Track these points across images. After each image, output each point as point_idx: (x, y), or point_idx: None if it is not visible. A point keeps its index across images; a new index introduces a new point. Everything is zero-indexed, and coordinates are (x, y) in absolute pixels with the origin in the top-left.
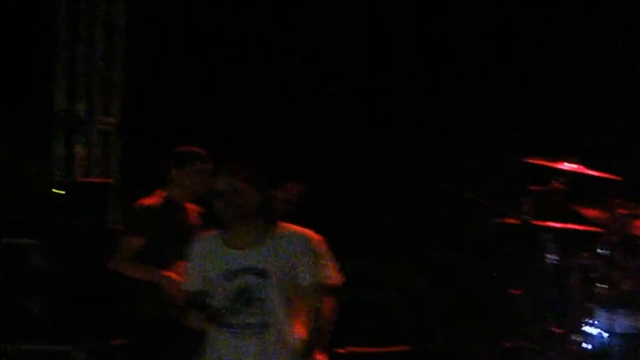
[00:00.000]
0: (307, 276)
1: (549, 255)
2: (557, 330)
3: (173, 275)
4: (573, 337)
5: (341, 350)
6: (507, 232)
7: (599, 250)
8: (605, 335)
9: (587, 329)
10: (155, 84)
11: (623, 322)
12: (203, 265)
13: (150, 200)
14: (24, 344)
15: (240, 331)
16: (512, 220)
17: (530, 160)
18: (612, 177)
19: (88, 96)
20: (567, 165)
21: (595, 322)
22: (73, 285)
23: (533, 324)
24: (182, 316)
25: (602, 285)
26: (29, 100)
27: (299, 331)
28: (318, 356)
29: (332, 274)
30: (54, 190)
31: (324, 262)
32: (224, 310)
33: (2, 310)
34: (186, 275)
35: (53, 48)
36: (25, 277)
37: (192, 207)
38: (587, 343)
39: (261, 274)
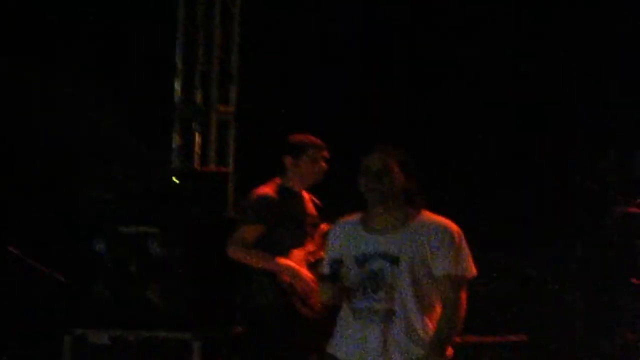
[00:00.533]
0: (442, 267)
1: None
2: None
3: (291, 263)
4: None
5: (458, 339)
6: (632, 221)
7: None
8: None
9: None
10: (271, 72)
11: None
12: (338, 246)
13: (267, 189)
14: (143, 331)
15: (366, 316)
16: (634, 210)
17: None
18: None
19: (205, 85)
20: None
21: None
22: (191, 273)
23: None
24: (301, 304)
25: None
26: (147, 90)
27: (429, 322)
28: (449, 349)
29: (467, 266)
30: (173, 179)
31: (460, 253)
32: (355, 290)
33: (122, 298)
34: (325, 256)
35: (171, 38)
36: (145, 265)
37: (307, 196)
38: None
39: (393, 260)
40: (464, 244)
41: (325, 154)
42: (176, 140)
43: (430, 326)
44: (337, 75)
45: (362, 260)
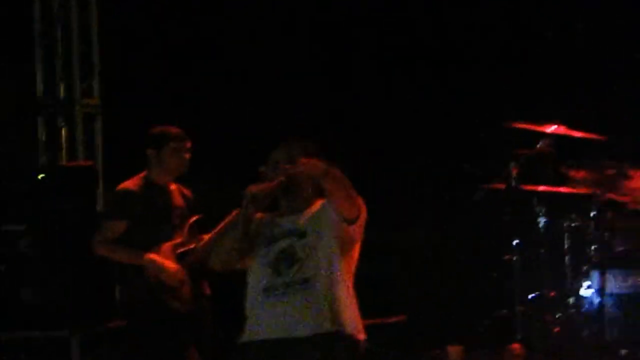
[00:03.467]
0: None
1: (539, 219)
2: (551, 294)
3: (156, 257)
4: (568, 300)
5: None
6: (496, 198)
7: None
8: (599, 297)
9: (581, 291)
10: (133, 63)
11: (616, 283)
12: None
13: (129, 183)
14: (18, 331)
15: (282, 291)
16: (500, 186)
17: (515, 125)
18: (598, 137)
19: (67, 78)
20: (552, 128)
21: (589, 284)
22: (62, 270)
23: (527, 289)
24: (170, 298)
25: (594, 247)
26: (8, 86)
27: (345, 288)
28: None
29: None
30: (39, 175)
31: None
32: (265, 270)
33: None
34: None
35: (29, 32)
36: (15, 263)
37: (174, 187)
38: (582, 306)
39: (299, 235)
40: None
41: (188, 144)
42: (41, 136)
43: (348, 300)
44: (202, 61)
45: (269, 242)
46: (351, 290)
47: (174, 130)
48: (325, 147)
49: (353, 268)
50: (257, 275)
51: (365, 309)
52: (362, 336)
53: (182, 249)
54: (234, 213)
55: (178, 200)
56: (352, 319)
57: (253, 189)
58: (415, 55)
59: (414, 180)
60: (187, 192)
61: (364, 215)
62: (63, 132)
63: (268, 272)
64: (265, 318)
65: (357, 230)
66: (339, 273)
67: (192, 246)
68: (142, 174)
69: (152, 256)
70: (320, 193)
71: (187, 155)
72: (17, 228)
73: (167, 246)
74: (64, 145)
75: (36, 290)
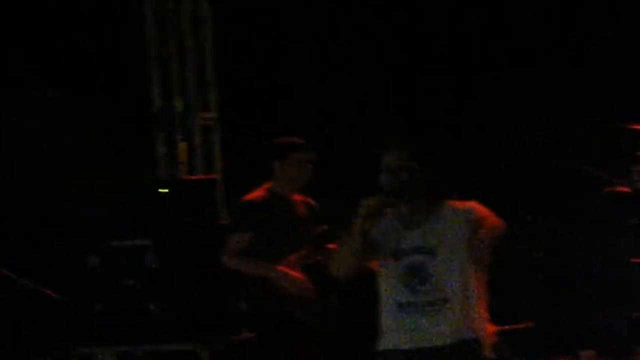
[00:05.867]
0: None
1: None
2: None
3: (284, 269)
4: None
5: None
6: (619, 200)
7: None
8: None
9: None
10: (249, 74)
11: None
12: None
13: (254, 195)
14: (147, 345)
15: (415, 309)
16: (623, 189)
17: (636, 127)
18: None
19: (184, 92)
20: None
21: None
22: (190, 283)
23: None
24: (297, 309)
25: None
26: (127, 102)
27: (479, 308)
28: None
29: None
30: (159, 189)
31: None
32: (398, 284)
33: (122, 312)
34: None
35: (144, 47)
36: (142, 278)
37: (299, 198)
38: None
39: (430, 252)
40: (490, 217)
41: (311, 155)
42: (160, 150)
43: (481, 311)
44: (322, 73)
45: (398, 256)
46: (485, 300)
47: (298, 140)
48: (433, 146)
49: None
50: (390, 290)
51: (494, 316)
52: (496, 339)
53: (307, 261)
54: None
55: (303, 212)
56: (486, 327)
57: (369, 202)
58: (533, 53)
59: (538, 184)
60: (312, 202)
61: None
62: (181, 145)
63: (401, 287)
64: (404, 332)
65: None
66: (474, 289)
67: (317, 258)
68: (266, 185)
69: (281, 268)
70: (437, 196)
71: (311, 166)
72: (143, 243)
73: (292, 258)
74: (183, 158)
75: (165, 305)
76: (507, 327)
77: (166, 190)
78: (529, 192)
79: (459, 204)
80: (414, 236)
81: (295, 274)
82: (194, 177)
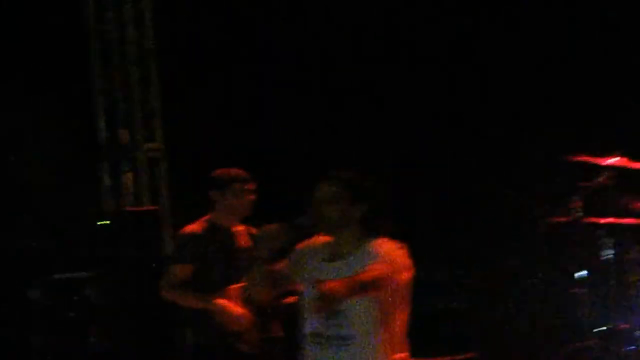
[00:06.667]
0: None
1: (604, 252)
2: (622, 327)
3: (223, 301)
4: (637, 333)
5: None
6: (560, 231)
7: None
8: None
9: None
10: (193, 105)
11: None
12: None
13: (194, 226)
14: None
15: (320, 341)
16: (564, 219)
17: (576, 158)
18: None
19: (129, 123)
20: (612, 160)
21: None
22: (129, 317)
23: (596, 322)
24: (237, 341)
25: None
26: (71, 132)
27: (383, 347)
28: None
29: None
30: (100, 222)
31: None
32: (310, 314)
33: (62, 344)
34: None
35: (89, 78)
36: (82, 310)
37: (241, 229)
38: None
39: None
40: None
41: (252, 185)
42: (105, 181)
43: (386, 350)
44: (266, 103)
45: (315, 286)
46: (398, 341)
47: (237, 171)
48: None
49: (400, 325)
50: (306, 318)
51: (436, 346)
52: None
53: (250, 292)
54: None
55: (245, 241)
56: None
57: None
58: (475, 88)
59: (478, 217)
60: (255, 232)
61: (408, 276)
62: (127, 177)
63: (312, 318)
64: None
65: (400, 293)
66: (377, 336)
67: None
68: (206, 217)
69: (220, 301)
70: (368, 232)
71: (252, 197)
72: (83, 275)
73: (234, 289)
74: (129, 190)
75: (105, 338)
76: (448, 358)
77: (108, 222)
78: (471, 222)
79: (385, 244)
80: (333, 269)
81: (235, 307)
82: (137, 209)
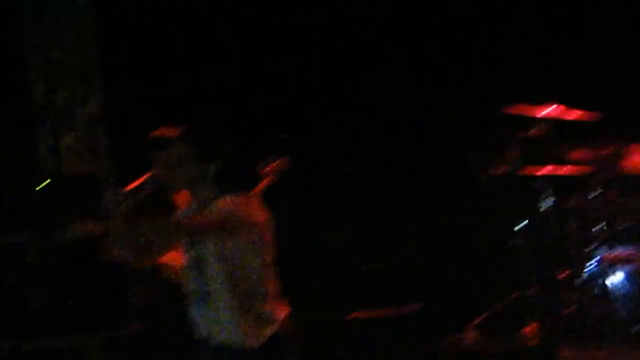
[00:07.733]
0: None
1: (543, 202)
2: (561, 276)
3: (164, 259)
4: (576, 281)
5: (347, 317)
6: (498, 183)
7: (593, 191)
8: (608, 275)
9: (589, 271)
10: (131, 66)
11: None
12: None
13: (133, 187)
14: (38, 341)
15: (192, 297)
16: (501, 170)
17: (511, 109)
18: (594, 115)
19: (67, 86)
20: (548, 110)
21: (597, 263)
22: (74, 277)
23: (536, 272)
24: (179, 298)
25: (600, 225)
26: (7, 97)
27: (237, 302)
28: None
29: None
30: (41, 184)
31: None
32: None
33: (7, 308)
34: None
35: (23, 38)
36: (24, 273)
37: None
38: (592, 285)
39: (199, 243)
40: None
41: (190, 146)
42: (43, 144)
43: (239, 304)
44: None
45: (188, 246)
46: (248, 301)
47: (174, 132)
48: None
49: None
50: (185, 276)
51: (381, 299)
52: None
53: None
54: None
55: (183, 201)
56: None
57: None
58: (408, 43)
59: (418, 172)
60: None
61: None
62: (66, 139)
63: (189, 275)
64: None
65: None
66: (233, 286)
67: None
68: (145, 178)
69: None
70: (220, 190)
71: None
72: (25, 238)
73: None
74: (67, 152)
75: (48, 300)
76: (394, 309)
77: (46, 184)
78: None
79: (226, 201)
80: None
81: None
82: (76, 172)
